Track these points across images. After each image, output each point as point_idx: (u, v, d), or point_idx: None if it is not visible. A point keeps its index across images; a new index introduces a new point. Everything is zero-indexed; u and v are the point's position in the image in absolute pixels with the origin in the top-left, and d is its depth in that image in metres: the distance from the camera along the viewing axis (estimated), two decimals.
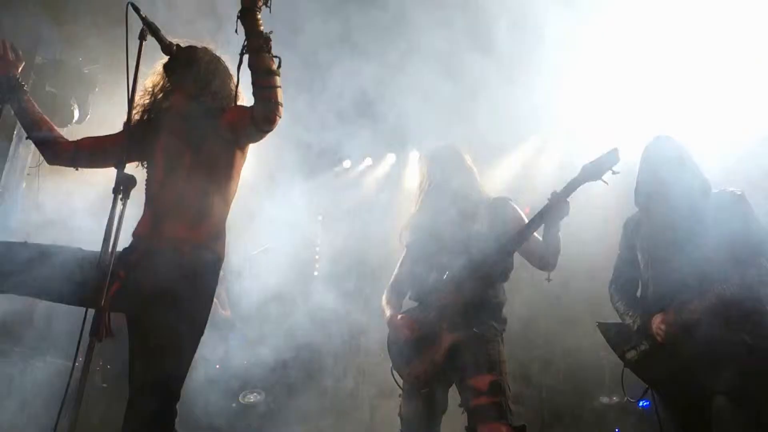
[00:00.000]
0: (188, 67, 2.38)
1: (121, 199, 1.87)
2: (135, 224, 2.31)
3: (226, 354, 4.96)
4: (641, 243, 2.87)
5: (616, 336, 2.85)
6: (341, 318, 5.77)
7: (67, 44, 5.11)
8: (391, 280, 3.08)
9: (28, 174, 5.13)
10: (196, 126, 2.33)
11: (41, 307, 4.45)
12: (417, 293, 2.93)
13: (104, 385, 4.83)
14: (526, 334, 5.80)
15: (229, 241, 2.41)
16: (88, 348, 1.74)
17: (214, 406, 4.90)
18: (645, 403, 4.94)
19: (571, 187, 2.68)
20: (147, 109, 2.45)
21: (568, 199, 2.68)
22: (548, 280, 2.79)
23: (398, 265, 3.10)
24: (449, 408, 2.78)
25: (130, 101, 2.03)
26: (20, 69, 2.42)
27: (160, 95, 2.45)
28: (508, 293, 2.90)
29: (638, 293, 2.92)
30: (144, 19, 2.12)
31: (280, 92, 2.18)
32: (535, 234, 2.77)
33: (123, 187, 1.89)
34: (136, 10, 2.09)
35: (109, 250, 1.79)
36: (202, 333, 2.24)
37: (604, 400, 5.72)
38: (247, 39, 2.14)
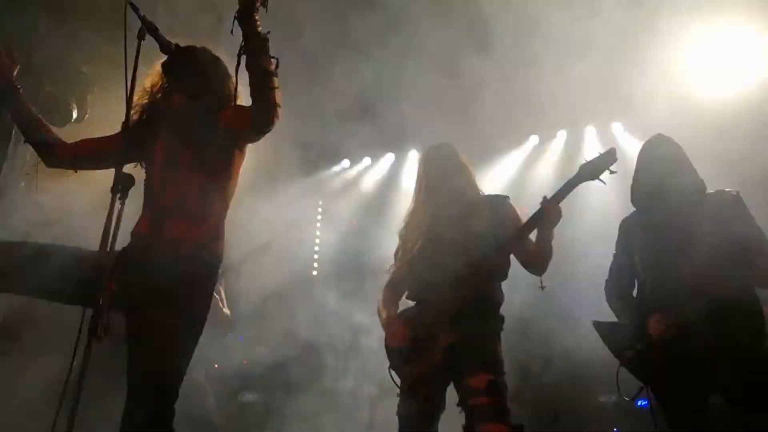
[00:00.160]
0: (187, 67, 2.38)
1: (119, 198, 1.87)
2: (134, 224, 2.31)
3: (224, 353, 4.96)
4: (638, 244, 2.88)
5: (612, 335, 2.86)
6: (340, 317, 5.77)
7: (65, 44, 5.10)
8: (388, 279, 3.08)
9: (26, 173, 5.12)
10: (195, 126, 2.33)
11: (40, 305, 4.44)
12: (414, 292, 2.93)
13: (102, 384, 4.83)
14: (524, 333, 5.80)
15: (228, 240, 2.41)
16: (87, 347, 1.74)
17: (213, 405, 4.91)
18: (644, 403, 4.95)
19: (569, 187, 2.69)
20: (146, 109, 2.45)
21: (560, 205, 2.67)
22: (542, 287, 2.77)
23: (395, 263, 3.09)
24: (447, 407, 2.78)
25: (129, 101, 2.03)
26: (15, 72, 2.41)
27: (159, 95, 2.45)
28: (506, 292, 2.90)
29: (635, 293, 2.93)
30: (143, 19, 2.12)
31: (278, 93, 2.18)
32: (530, 237, 2.77)
33: (121, 186, 1.89)
34: (135, 9, 2.09)
35: (108, 249, 1.80)
36: (200, 332, 2.24)
37: (603, 399, 5.73)
38: (244, 40, 2.14)
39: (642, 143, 2.98)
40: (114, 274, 2.05)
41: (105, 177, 2.12)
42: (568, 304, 5.37)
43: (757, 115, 4.94)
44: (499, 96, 5.04)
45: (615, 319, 2.91)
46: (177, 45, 2.33)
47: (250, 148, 2.49)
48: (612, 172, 2.65)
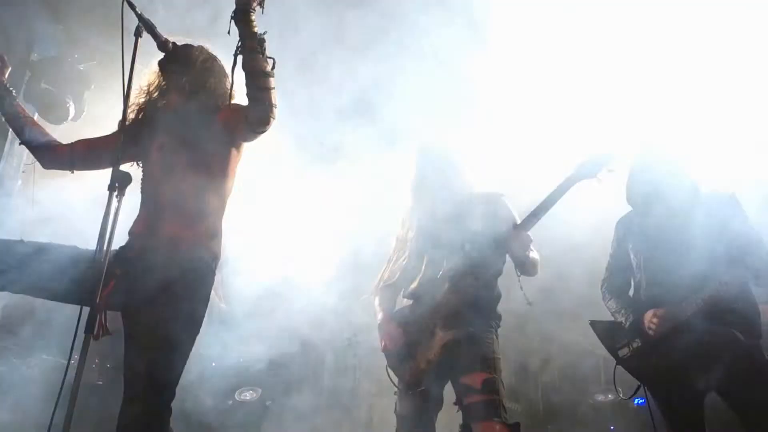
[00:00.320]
0: (184, 65, 2.38)
1: (116, 196, 1.87)
2: (131, 222, 2.31)
3: (222, 351, 4.96)
4: (634, 243, 2.88)
5: (608, 334, 2.87)
6: (339, 315, 5.77)
7: (63, 41, 5.09)
8: (383, 279, 3.06)
9: (23, 171, 5.11)
10: (192, 124, 2.33)
11: (38, 304, 4.44)
12: (410, 291, 2.93)
13: (100, 382, 4.83)
14: (522, 331, 5.81)
15: (225, 239, 2.40)
16: (83, 345, 1.74)
17: (210, 403, 4.91)
18: (640, 401, 4.97)
19: (566, 185, 2.68)
20: (142, 108, 2.44)
21: (528, 232, 2.65)
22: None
23: (391, 262, 3.07)
24: (444, 405, 2.78)
25: (126, 97, 2.03)
26: (7, 75, 2.40)
27: (156, 94, 2.45)
28: (503, 289, 2.90)
29: (631, 293, 2.94)
30: (140, 16, 2.12)
31: (274, 94, 2.18)
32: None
33: (118, 184, 1.89)
34: (132, 6, 2.09)
35: (105, 247, 1.79)
36: (198, 331, 2.24)
37: (600, 397, 5.75)
38: (241, 40, 2.13)
39: (638, 142, 2.98)
40: (111, 273, 2.06)
41: (102, 175, 2.12)
42: (565, 303, 5.38)
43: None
44: (497, 95, 5.04)
45: (612, 318, 2.92)
46: (174, 43, 2.33)
47: (248, 146, 2.49)
48: (610, 171, 2.64)
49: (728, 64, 5.22)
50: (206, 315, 2.27)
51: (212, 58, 2.49)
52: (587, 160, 2.67)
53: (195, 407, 4.60)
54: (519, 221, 2.75)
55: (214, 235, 2.31)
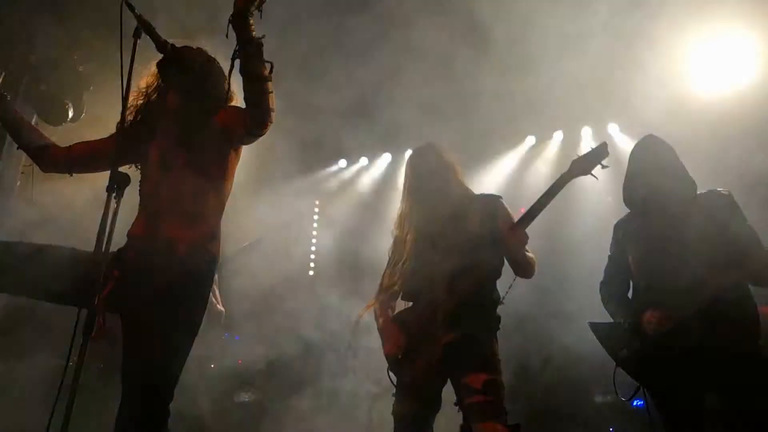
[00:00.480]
0: (183, 67, 2.37)
1: (114, 198, 1.87)
2: (129, 225, 2.30)
3: (220, 353, 4.96)
4: (632, 245, 2.88)
5: (608, 336, 2.86)
6: (336, 317, 5.77)
7: (62, 43, 5.09)
8: (383, 282, 3.05)
9: (22, 172, 5.11)
10: (190, 126, 2.33)
11: (36, 305, 4.43)
12: (409, 293, 2.92)
13: (98, 384, 4.82)
14: (522, 332, 5.81)
15: (224, 241, 2.40)
16: (81, 347, 1.74)
17: (209, 405, 4.90)
18: (639, 402, 4.96)
19: (560, 183, 2.68)
20: (141, 110, 2.44)
21: (525, 230, 2.66)
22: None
23: (390, 264, 3.07)
24: (443, 406, 2.78)
25: (125, 99, 2.03)
26: (0, 80, 2.39)
27: (154, 95, 2.44)
28: (502, 290, 2.90)
29: (629, 294, 2.94)
30: (139, 18, 2.11)
31: (272, 98, 2.18)
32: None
33: (117, 185, 1.88)
34: (131, 8, 2.09)
35: (103, 248, 1.79)
36: (196, 333, 2.23)
37: (599, 399, 5.74)
38: (239, 45, 2.11)
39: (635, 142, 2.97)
40: (110, 274, 2.06)
41: (101, 176, 2.12)
42: (564, 305, 5.38)
43: (751, 116, 4.96)
44: (495, 96, 5.05)
45: (611, 320, 2.92)
46: (172, 45, 2.33)
47: (247, 147, 2.49)
48: (604, 167, 2.65)
49: (728, 63, 5.23)
50: (205, 316, 2.27)
51: (211, 60, 2.49)
52: (581, 156, 2.69)
53: (193, 409, 4.59)
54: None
55: (213, 236, 2.31)
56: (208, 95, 2.40)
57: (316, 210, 8.04)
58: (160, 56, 2.35)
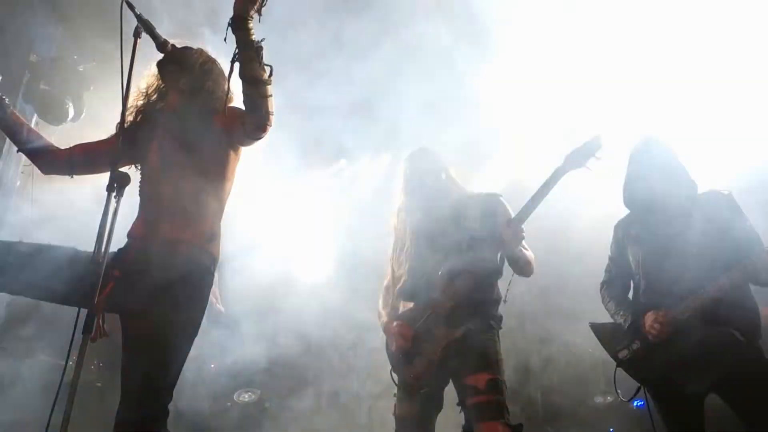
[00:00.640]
0: (183, 67, 2.37)
1: (114, 197, 1.86)
2: (129, 225, 2.30)
3: (221, 353, 4.95)
4: (633, 246, 2.88)
5: (608, 336, 2.86)
6: (337, 316, 5.77)
7: (62, 42, 5.09)
8: (385, 282, 3.07)
9: (22, 172, 5.11)
10: (190, 126, 2.32)
11: (37, 304, 4.43)
12: (410, 293, 2.92)
13: (98, 384, 4.82)
14: (522, 332, 5.81)
15: (224, 241, 2.40)
16: (81, 346, 1.74)
17: (209, 405, 4.90)
18: (640, 403, 4.96)
19: (556, 176, 2.68)
20: (141, 110, 2.44)
21: (522, 226, 2.66)
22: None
23: (390, 266, 3.08)
24: (444, 407, 2.78)
25: (125, 98, 2.03)
26: None
27: (155, 96, 2.44)
28: (503, 291, 2.89)
29: (630, 294, 2.93)
30: (139, 17, 2.11)
31: (271, 101, 2.17)
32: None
33: (117, 185, 1.88)
34: (131, 7, 2.08)
35: (103, 248, 1.79)
36: (196, 333, 2.23)
37: (599, 399, 5.75)
38: (238, 49, 2.11)
39: (634, 141, 2.96)
40: (109, 275, 2.05)
41: (101, 175, 2.12)
42: (564, 305, 5.38)
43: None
44: (494, 96, 5.04)
45: (611, 320, 2.91)
46: (173, 45, 2.33)
47: (248, 148, 2.49)
48: (598, 159, 2.64)
49: (728, 63, 5.22)
50: (204, 316, 2.27)
51: (211, 61, 2.49)
52: (575, 150, 2.68)
53: (193, 409, 4.59)
54: None
55: (213, 237, 2.31)
56: (208, 96, 2.40)
57: (316, 210, 8.03)
58: (160, 56, 2.35)
